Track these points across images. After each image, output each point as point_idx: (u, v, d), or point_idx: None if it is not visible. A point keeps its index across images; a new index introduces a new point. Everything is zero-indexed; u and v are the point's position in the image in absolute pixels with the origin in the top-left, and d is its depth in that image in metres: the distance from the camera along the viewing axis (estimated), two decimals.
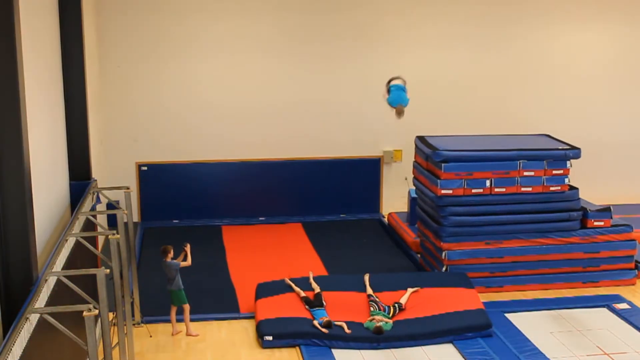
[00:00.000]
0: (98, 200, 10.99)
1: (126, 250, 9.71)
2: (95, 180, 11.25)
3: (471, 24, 15.76)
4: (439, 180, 11.73)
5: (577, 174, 13.44)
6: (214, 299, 11.63)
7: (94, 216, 10.00)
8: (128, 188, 10.44)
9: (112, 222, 10.97)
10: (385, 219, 15.60)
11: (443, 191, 11.70)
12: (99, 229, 9.70)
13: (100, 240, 12.49)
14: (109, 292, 8.33)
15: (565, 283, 12.02)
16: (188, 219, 15.41)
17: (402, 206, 15.64)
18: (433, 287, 11.23)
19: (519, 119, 15.92)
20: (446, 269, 11.79)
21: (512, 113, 16.03)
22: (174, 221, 15.37)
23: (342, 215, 15.83)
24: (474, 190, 11.71)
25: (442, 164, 11.63)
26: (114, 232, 8.74)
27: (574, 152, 12.10)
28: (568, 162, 12.01)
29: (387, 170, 15.97)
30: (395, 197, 15.90)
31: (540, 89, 16.23)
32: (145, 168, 15.18)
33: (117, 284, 8.84)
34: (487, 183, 11.68)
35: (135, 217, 15.34)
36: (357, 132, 15.77)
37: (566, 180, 12.06)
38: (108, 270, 7.37)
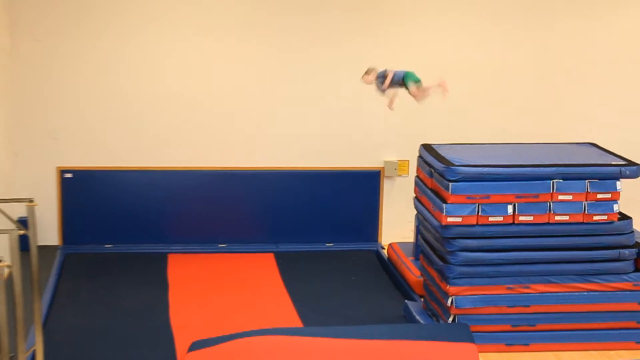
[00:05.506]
0: None
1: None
2: None
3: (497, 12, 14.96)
4: (444, 205, 10.81)
5: (632, 199, 12.46)
6: (145, 349, 10.71)
7: None
8: (31, 201, 9.27)
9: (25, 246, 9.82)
10: (385, 251, 14.73)
11: (450, 219, 10.76)
12: None
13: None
14: None
15: (613, 343, 11.20)
16: (124, 243, 14.40)
17: (408, 234, 14.66)
18: (414, 339, 10.33)
19: (555, 122, 14.97)
20: (454, 320, 10.84)
21: (547, 114, 15.17)
22: (106, 246, 14.35)
23: (327, 245, 14.95)
24: (491, 219, 10.94)
25: (450, 183, 10.75)
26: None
27: (632, 169, 10.95)
28: (618, 183, 11.02)
29: (389, 187, 15.19)
30: (399, 222, 15.07)
31: (584, 85, 15.48)
32: (69, 175, 14.29)
33: (2, 331, 8.02)
34: (509, 209, 10.92)
35: (55, 240, 14.32)
36: (351, 136, 14.82)
37: (615, 208, 11.00)
38: None
